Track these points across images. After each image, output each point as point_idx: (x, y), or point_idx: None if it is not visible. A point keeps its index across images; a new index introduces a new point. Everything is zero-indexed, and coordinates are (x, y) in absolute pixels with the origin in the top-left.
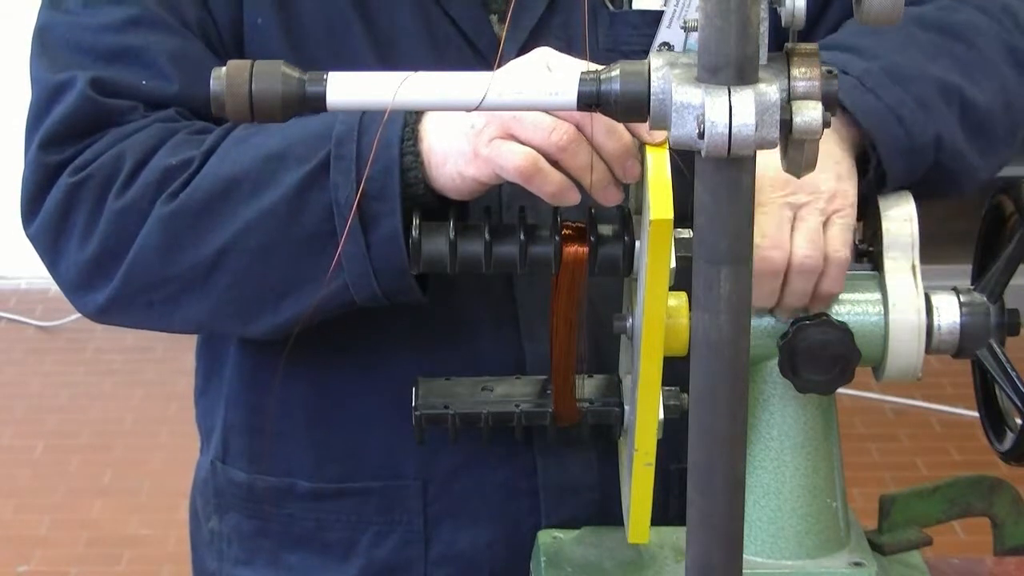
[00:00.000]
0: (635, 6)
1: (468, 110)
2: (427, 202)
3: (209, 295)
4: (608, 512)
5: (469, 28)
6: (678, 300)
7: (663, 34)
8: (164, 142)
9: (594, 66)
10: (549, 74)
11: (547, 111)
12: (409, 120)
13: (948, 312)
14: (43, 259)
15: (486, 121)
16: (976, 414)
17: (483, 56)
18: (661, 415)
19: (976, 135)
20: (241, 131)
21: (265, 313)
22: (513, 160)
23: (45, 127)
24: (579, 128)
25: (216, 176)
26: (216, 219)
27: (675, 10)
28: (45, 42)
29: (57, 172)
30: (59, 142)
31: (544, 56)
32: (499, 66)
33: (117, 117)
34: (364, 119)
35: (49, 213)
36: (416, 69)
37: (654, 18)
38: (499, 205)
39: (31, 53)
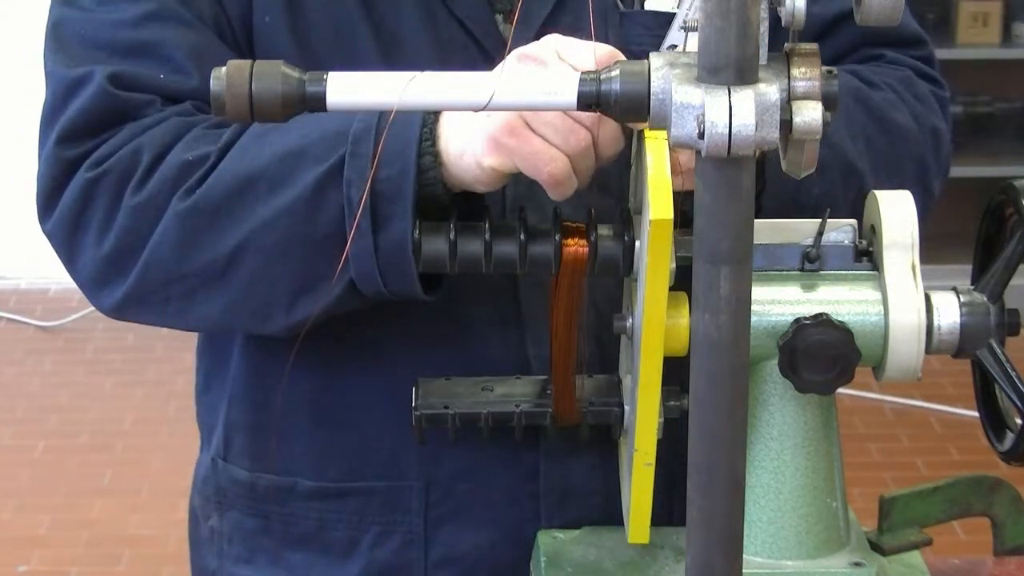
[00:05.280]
0: (647, 7)
1: (472, 111)
2: (444, 203)
3: (225, 292)
4: (610, 516)
5: (475, 28)
6: (678, 300)
7: (673, 36)
8: (181, 137)
9: (602, 48)
10: (549, 74)
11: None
12: (427, 121)
13: (948, 312)
14: (60, 255)
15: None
16: (976, 414)
17: (489, 56)
18: (661, 415)
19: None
20: (258, 127)
21: (280, 311)
22: (549, 167)
23: (62, 122)
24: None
25: (233, 173)
26: (233, 216)
27: (687, 12)
28: (60, 37)
29: (74, 167)
30: (77, 137)
31: (554, 42)
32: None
33: (135, 111)
34: (382, 118)
35: (66, 209)
36: (422, 69)
37: (666, 19)
38: (502, 206)
39: (45, 48)
